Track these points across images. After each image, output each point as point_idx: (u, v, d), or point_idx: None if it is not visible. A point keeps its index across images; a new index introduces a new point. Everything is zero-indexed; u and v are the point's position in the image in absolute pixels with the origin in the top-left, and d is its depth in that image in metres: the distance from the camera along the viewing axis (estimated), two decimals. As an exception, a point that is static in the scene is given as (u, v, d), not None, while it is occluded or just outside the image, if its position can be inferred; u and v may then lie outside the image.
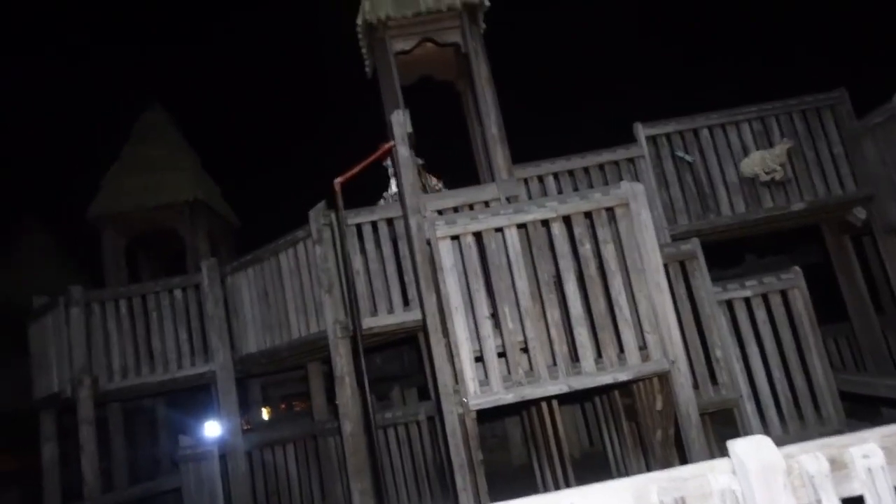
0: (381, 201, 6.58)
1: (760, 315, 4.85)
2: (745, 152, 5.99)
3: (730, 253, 9.81)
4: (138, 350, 6.92)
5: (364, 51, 5.94)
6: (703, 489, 1.54)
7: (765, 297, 4.88)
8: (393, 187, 6.54)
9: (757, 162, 5.88)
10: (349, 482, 5.62)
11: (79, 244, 13.04)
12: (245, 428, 8.58)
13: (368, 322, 5.50)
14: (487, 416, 5.09)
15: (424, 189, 6.08)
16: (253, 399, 10.30)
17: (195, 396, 10.14)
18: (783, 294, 4.90)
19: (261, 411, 11.08)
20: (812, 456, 1.55)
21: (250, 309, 6.62)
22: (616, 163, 5.98)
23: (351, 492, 5.57)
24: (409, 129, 4.52)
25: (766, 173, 5.83)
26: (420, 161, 6.17)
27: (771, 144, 5.96)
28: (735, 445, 1.54)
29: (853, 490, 1.54)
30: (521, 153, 5.76)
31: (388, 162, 6.48)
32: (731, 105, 6.11)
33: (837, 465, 1.55)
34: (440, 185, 6.39)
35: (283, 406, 13.51)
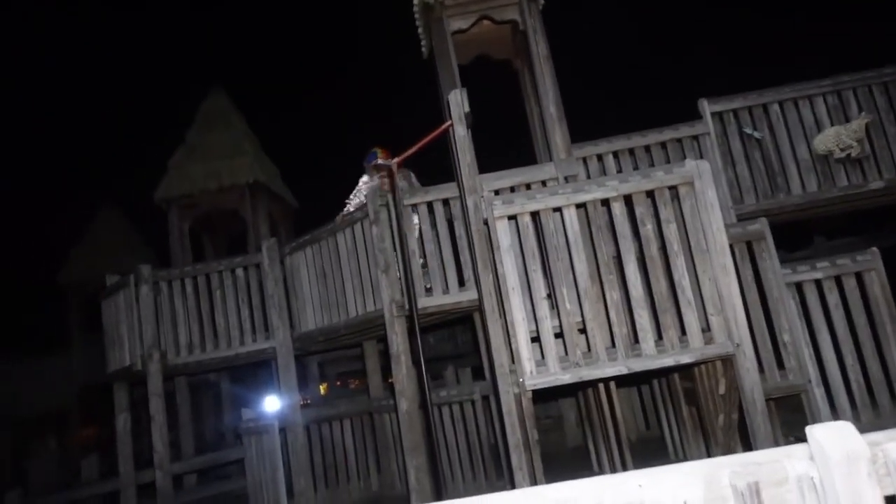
0: (348, 206, 6.77)
1: (832, 299, 4.64)
2: (819, 128, 5.68)
3: (797, 234, 9.40)
4: (203, 326, 7.19)
5: (420, 31, 5.91)
6: (778, 475, 1.48)
7: (838, 280, 4.66)
8: (361, 196, 6.71)
9: (831, 138, 5.57)
10: (405, 458, 5.71)
11: (147, 225, 13.62)
12: (303, 403, 8.81)
13: (424, 302, 5.53)
14: (543, 396, 5.07)
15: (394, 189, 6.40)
16: (311, 376, 10.59)
17: (256, 372, 10.50)
18: (858, 277, 4.66)
19: (318, 388, 11.36)
20: (899, 444, 1.46)
21: (308, 288, 6.75)
22: (679, 141, 5.78)
23: (406, 468, 5.66)
24: (467, 108, 4.47)
25: (842, 150, 5.52)
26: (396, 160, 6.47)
27: (847, 119, 5.64)
28: (814, 431, 1.47)
29: (944, 481, 1.45)
30: (579, 132, 5.64)
31: (367, 177, 6.75)
32: (804, 79, 5.80)
33: (927, 455, 1.45)
34: (414, 178, 6.52)
35: (338, 383, 13.80)
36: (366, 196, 6.40)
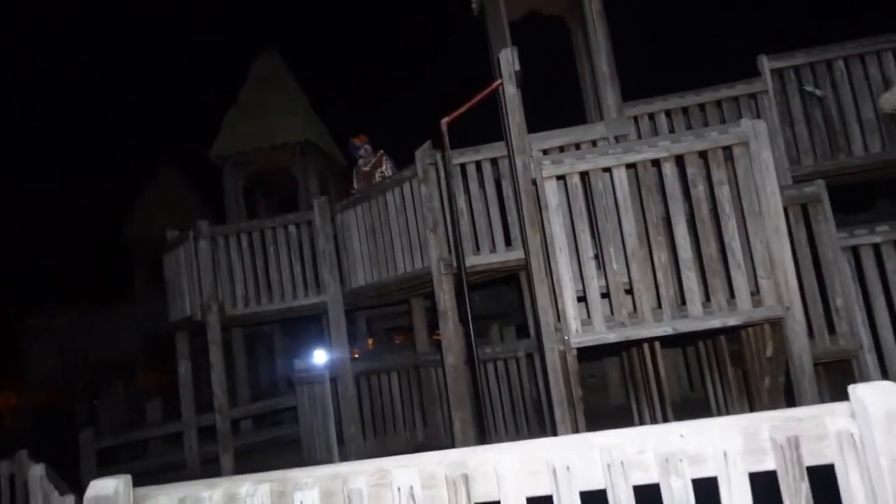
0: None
1: (891, 264, 4.51)
2: (887, 86, 5.43)
3: (859, 197, 9.05)
4: (258, 280, 7.48)
5: (470, -13, 5.85)
6: (819, 430, 1.53)
7: (897, 245, 4.53)
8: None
9: (899, 96, 5.32)
10: (450, 410, 5.91)
11: (203, 183, 14.09)
12: (353, 356, 9.13)
13: (471, 260, 5.63)
14: (587, 355, 5.14)
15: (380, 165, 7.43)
16: (359, 330, 10.92)
17: (307, 326, 10.88)
18: (919, 242, 4.51)
19: (366, 342, 11.72)
20: (942, 405, 1.49)
21: (358, 245, 6.93)
22: (735, 99, 5.62)
23: (452, 420, 5.87)
24: (517, 67, 4.45)
25: (910, 109, 5.28)
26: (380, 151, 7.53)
27: (918, 76, 5.37)
28: (857, 390, 1.52)
29: None
30: (631, 90, 5.54)
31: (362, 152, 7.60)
32: (872, 34, 5.52)
33: (970, 416, 1.48)
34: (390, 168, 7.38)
35: (386, 339, 14.20)
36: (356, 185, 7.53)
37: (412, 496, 1.64)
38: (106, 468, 7.96)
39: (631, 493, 1.58)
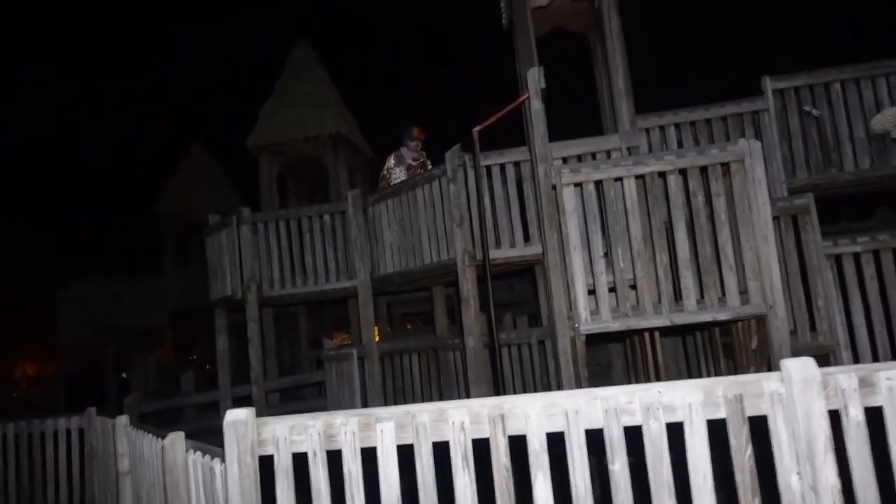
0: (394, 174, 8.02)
1: (869, 271, 5.07)
2: (878, 108, 5.95)
3: (861, 206, 9.59)
4: (293, 264, 8.13)
5: (502, 4, 6.41)
6: (758, 390, 2.14)
7: (875, 254, 5.08)
8: (395, 173, 8.03)
9: (889, 118, 5.82)
10: (467, 389, 6.55)
11: (231, 163, 14.79)
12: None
13: (493, 253, 6.22)
14: (593, 343, 5.74)
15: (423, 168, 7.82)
16: (380, 314, 11.58)
17: (330, 308, 11.56)
18: (895, 252, 5.06)
19: (386, 325, 12.38)
20: (846, 375, 2.09)
21: (388, 235, 7.56)
22: (740, 115, 6.15)
23: (470, 396, 6.50)
24: (543, 84, 5.03)
25: (899, 130, 5.80)
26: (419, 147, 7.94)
27: (908, 100, 5.88)
28: (786, 362, 2.12)
29: (876, 402, 2.08)
30: (643, 101, 6.08)
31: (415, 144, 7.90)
32: (869, 59, 6.04)
33: (866, 384, 2.08)
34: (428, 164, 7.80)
35: (405, 324, 14.88)
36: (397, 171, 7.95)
37: (463, 429, 2.26)
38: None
39: (622, 431, 2.20)
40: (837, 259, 5.13)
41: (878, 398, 2.07)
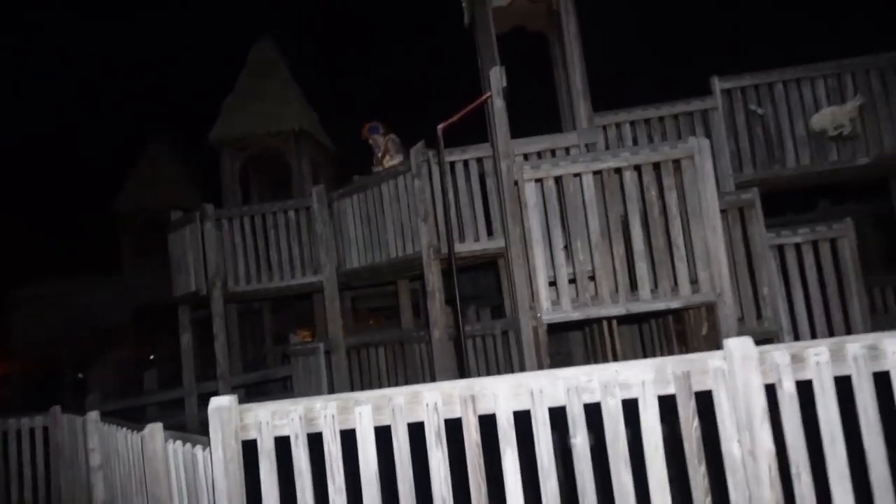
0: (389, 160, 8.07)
1: (808, 260, 5.42)
2: (817, 108, 6.33)
3: (805, 199, 10.16)
4: (259, 260, 8.17)
5: (464, 3, 6.57)
6: (703, 367, 2.37)
7: (814, 244, 5.44)
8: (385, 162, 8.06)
9: (827, 117, 6.23)
10: (434, 379, 6.72)
11: (200, 165, 14.61)
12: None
13: (457, 247, 6.39)
14: (555, 332, 5.96)
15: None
16: (344, 309, 11.65)
17: (294, 303, 11.59)
18: (832, 242, 5.43)
19: (350, 319, 12.47)
20: (780, 352, 2.34)
21: (354, 230, 7.66)
22: (690, 114, 6.46)
23: (436, 387, 6.67)
24: (505, 83, 5.21)
25: (835, 128, 6.19)
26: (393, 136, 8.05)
27: (844, 101, 6.28)
28: (728, 341, 2.35)
29: (806, 376, 2.32)
30: (600, 98, 6.33)
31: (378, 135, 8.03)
32: (808, 61, 6.41)
33: (797, 360, 2.33)
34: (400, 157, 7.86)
35: (369, 319, 14.96)
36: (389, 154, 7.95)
37: (436, 409, 2.43)
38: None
39: (582, 408, 2.39)
40: (780, 249, 5.47)
41: (808, 372, 2.32)
